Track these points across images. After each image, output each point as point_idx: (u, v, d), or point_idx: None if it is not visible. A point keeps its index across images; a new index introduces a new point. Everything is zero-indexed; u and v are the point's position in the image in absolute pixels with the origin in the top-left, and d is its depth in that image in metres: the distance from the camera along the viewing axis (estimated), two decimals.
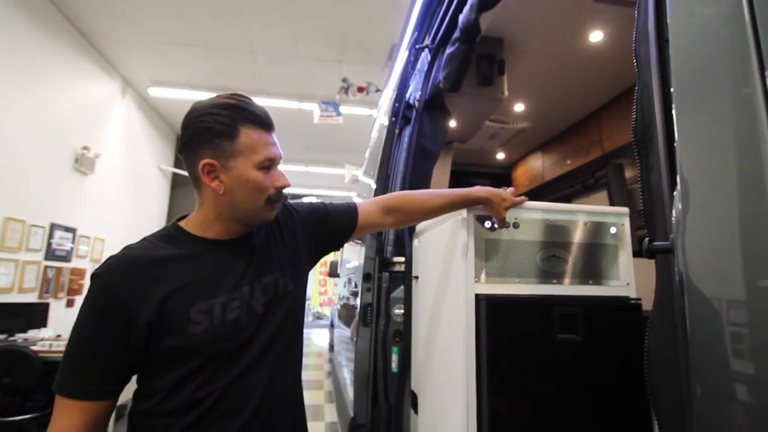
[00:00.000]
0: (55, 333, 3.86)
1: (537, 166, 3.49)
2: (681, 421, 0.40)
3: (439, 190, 1.13)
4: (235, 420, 0.76)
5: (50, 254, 4.07)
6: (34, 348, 3.16)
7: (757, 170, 0.35)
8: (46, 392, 3.33)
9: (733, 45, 0.38)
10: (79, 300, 4.56)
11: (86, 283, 4.67)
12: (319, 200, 1.04)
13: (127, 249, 0.78)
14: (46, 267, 4.02)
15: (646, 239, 0.48)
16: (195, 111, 0.79)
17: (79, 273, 4.52)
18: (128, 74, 5.20)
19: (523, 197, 1.12)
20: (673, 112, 0.43)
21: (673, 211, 0.41)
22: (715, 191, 0.39)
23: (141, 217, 5.91)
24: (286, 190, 0.86)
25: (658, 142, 0.45)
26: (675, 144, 0.41)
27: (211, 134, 0.77)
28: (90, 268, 4.71)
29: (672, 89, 0.43)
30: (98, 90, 4.82)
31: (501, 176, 3.88)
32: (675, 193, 0.42)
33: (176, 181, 6.95)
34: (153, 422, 0.75)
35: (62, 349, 3.28)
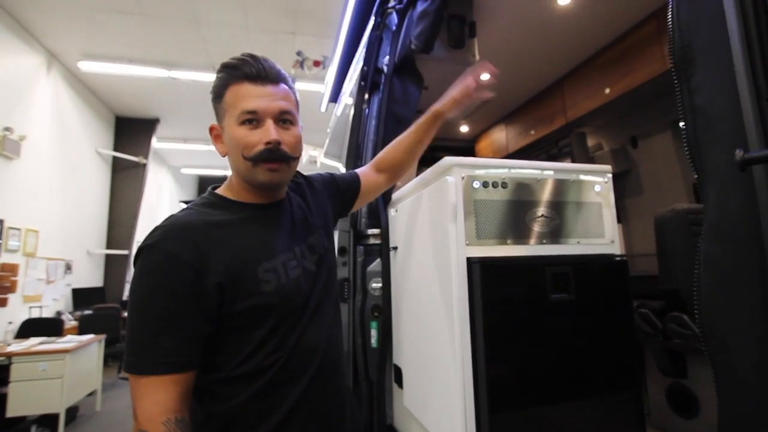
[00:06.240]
0: None
1: (500, 138, 3.51)
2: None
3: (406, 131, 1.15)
4: (298, 383, 0.76)
5: None
6: None
7: None
8: None
9: None
10: (13, 298, 4.13)
11: (20, 280, 4.23)
12: None
13: (175, 217, 0.74)
14: None
15: (739, 151, 0.43)
16: None
17: (10, 269, 4.07)
18: (53, 46, 4.64)
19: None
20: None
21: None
22: None
23: (79, 205, 5.39)
24: None
25: (720, 53, 0.39)
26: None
27: (212, 99, 0.80)
28: (23, 262, 4.25)
29: None
30: (17, 63, 4.27)
31: (465, 149, 3.87)
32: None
33: (118, 166, 6.37)
34: (226, 390, 0.73)
35: None
